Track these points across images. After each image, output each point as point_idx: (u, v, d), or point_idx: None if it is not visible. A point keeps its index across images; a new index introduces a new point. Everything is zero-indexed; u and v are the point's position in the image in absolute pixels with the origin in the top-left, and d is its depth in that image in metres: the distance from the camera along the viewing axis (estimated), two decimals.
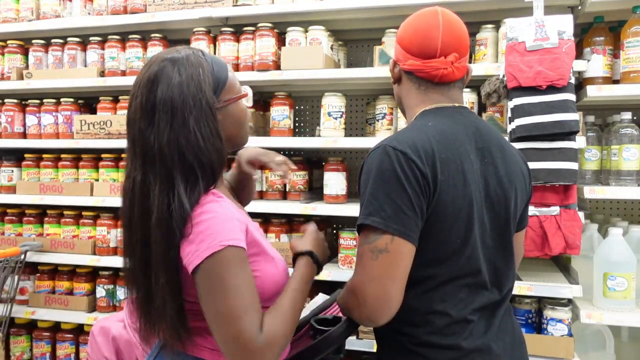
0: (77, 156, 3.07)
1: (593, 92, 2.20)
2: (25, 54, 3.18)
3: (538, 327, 2.34)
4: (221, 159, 1.20)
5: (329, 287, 2.60)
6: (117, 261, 2.79)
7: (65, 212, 3.04)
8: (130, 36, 2.94)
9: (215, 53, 2.79)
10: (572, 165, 2.12)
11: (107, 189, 2.90)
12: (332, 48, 2.70)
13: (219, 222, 1.13)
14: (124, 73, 2.95)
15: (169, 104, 1.15)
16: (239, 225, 1.17)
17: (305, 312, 1.51)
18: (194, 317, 1.24)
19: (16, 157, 3.18)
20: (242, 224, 1.19)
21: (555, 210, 2.17)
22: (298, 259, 1.33)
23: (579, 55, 2.38)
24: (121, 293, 2.92)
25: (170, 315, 1.16)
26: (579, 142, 2.19)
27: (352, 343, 2.43)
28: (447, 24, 1.30)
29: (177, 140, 1.14)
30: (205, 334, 1.23)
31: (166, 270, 1.14)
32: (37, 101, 3.13)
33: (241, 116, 1.28)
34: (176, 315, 1.16)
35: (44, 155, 3.12)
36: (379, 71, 2.48)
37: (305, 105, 3.24)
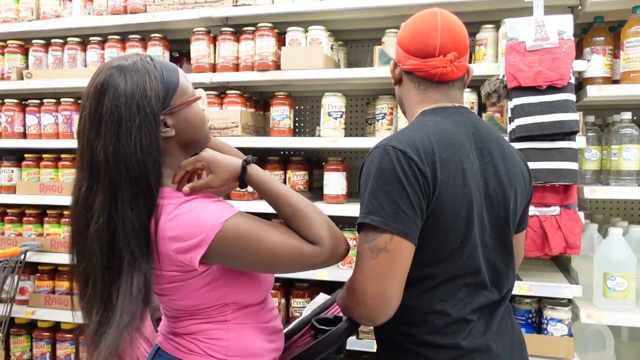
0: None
1: (593, 92, 2.20)
2: (25, 54, 3.18)
3: (538, 327, 2.35)
4: (156, 169, 1.16)
5: (330, 287, 2.60)
6: None
7: (65, 212, 3.04)
8: (130, 36, 2.94)
9: (215, 53, 2.79)
10: (572, 165, 2.12)
11: None
12: (332, 48, 2.70)
13: (203, 212, 1.15)
14: None
15: (116, 113, 1.13)
16: (221, 204, 1.19)
17: (306, 312, 1.51)
18: (185, 320, 1.25)
19: (16, 157, 3.18)
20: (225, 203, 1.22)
21: (555, 210, 2.17)
22: (248, 172, 1.24)
23: (579, 55, 2.38)
24: None
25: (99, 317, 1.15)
26: (579, 142, 2.19)
27: (352, 343, 2.43)
28: (445, 24, 1.31)
29: (123, 150, 1.12)
30: (195, 338, 1.24)
31: (102, 277, 1.14)
32: (37, 101, 3.13)
33: (196, 119, 1.27)
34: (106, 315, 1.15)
35: (44, 155, 3.12)
36: (379, 71, 2.48)
37: (305, 105, 3.24)
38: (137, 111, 1.14)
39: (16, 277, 2.90)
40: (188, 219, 1.13)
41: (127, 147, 1.12)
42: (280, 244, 1.16)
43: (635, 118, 2.42)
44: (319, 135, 2.65)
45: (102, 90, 1.16)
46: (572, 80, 2.15)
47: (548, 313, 2.27)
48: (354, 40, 3.10)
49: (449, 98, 1.35)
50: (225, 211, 1.16)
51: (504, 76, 2.21)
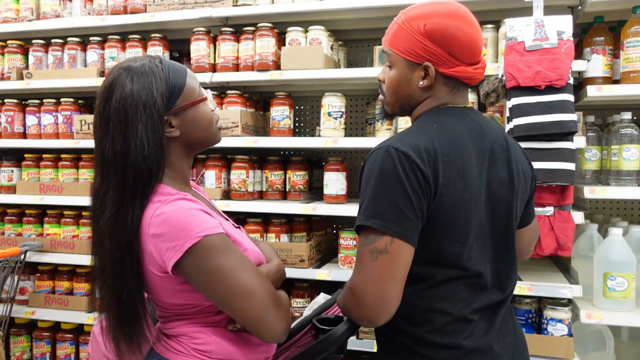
0: (77, 156, 3.07)
1: (593, 92, 2.20)
2: (25, 54, 3.18)
3: (538, 327, 2.35)
4: (159, 165, 1.22)
5: (330, 287, 2.60)
6: None
7: (65, 212, 3.04)
8: (130, 36, 2.94)
9: (215, 53, 2.79)
10: (570, 166, 2.12)
11: None
12: (332, 48, 2.71)
13: (188, 216, 1.16)
14: None
15: (122, 112, 1.19)
16: (209, 217, 1.20)
17: (307, 312, 1.52)
18: (173, 321, 1.26)
19: (16, 157, 3.17)
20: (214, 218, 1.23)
21: (549, 210, 2.17)
22: None
23: (579, 55, 2.38)
24: None
25: (113, 311, 1.21)
26: (579, 142, 2.19)
27: (352, 343, 2.43)
28: (477, 25, 1.31)
29: (129, 148, 1.18)
30: (182, 339, 1.25)
31: (113, 271, 1.18)
32: (37, 101, 3.13)
33: (203, 119, 1.31)
34: (117, 311, 1.21)
35: (44, 155, 3.12)
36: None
37: (305, 105, 3.24)
38: (143, 110, 1.19)
39: (16, 277, 2.90)
40: (173, 219, 1.15)
41: (133, 145, 1.17)
42: (252, 288, 1.17)
43: (635, 118, 2.42)
44: (319, 135, 2.65)
45: (110, 89, 1.22)
46: (571, 81, 2.15)
47: (548, 313, 2.27)
48: (354, 40, 3.10)
49: (464, 99, 1.35)
50: (207, 224, 1.17)
51: (502, 76, 2.21)
